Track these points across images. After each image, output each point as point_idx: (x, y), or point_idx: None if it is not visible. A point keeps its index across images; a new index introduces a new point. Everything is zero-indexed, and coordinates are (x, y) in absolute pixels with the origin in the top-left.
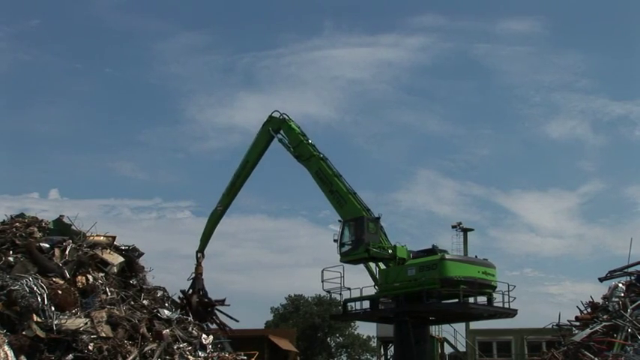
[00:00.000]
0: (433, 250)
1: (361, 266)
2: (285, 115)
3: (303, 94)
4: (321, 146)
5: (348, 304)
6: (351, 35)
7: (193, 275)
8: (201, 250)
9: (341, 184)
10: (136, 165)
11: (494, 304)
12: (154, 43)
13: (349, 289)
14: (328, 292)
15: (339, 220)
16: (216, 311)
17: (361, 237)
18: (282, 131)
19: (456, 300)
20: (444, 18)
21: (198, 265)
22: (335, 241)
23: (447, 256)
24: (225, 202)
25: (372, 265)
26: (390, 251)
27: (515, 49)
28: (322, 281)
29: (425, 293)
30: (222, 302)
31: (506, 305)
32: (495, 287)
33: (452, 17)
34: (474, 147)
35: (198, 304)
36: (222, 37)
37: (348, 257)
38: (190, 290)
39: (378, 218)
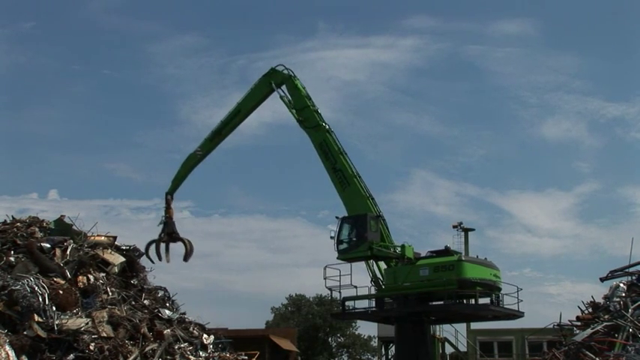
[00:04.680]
0: (447, 251)
1: (362, 264)
2: (290, 71)
3: None
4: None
5: (347, 302)
6: (345, 37)
7: (164, 219)
8: (171, 192)
9: (346, 164)
10: (133, 166)
11: (504, 306)
12: (148, 45)
13: (356, 287)
14: (330, 289)
15: (337, 217)
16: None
17: (364, 235)
18: (285, 88)
19: (471, 301)
20: (436, 19)
21: (168, 207)
22: (332, 238)
23: (463, 258)
24: (207, 149)
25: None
26: (397, 250)
27: (507, 51)
28: (325, 278)
29: (444, 294)
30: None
31: (515, 307)
32: (501, 289)
33: (444, 19)
34: (469, 148)
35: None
36: (217, 38)
37: (348, 255)
38: (162, 234)
39: (379, 216)
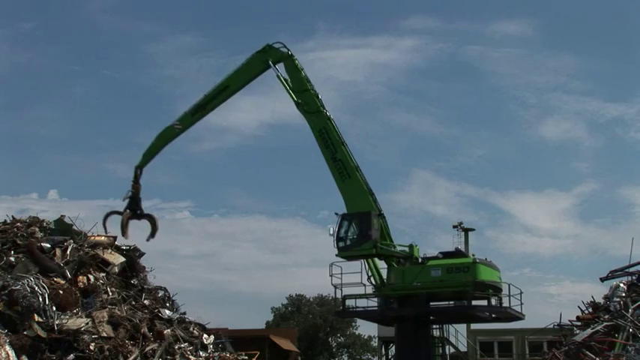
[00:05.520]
0: (459, 253)
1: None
2: (289, 50)
3: None
4: (316, 146)
5: (347, 301)
6: (344, 37)
7: (129, 193)
8: (141, 166)
9: (347, 155)
10: (133, 166)
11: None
12: (148, 46)
13: (365, 285)
14: (335, 287)
15: (336, 214)
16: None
17: (368, 232)
18: (282, 68)
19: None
20: (435, 20)
21: (136, 182)
22: (331, 235)
23: (477, 260)
24: (187, 123)
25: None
26: (396, 248)
27: (506, 51)
28: (330, 275)
29: (458, 295)
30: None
31: (518, 309)
32: (502, 290)
33: (443, 19)
34: (468, 148)
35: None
36: (216, 39)
37: (349, 252)
38: (127, 210)
39: (380, 214)
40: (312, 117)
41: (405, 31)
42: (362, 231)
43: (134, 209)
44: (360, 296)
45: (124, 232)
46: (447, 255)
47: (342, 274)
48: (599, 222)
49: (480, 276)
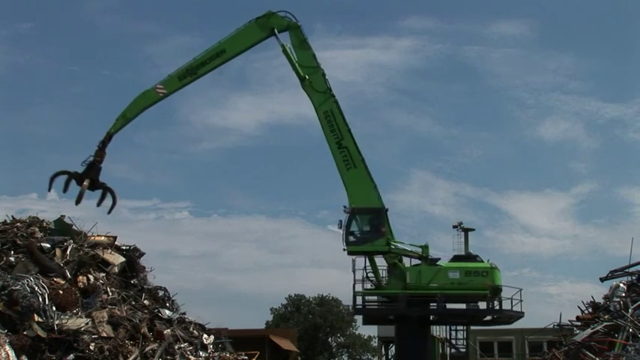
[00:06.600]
0: (470, 257)
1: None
2: (297, 20)
3: (295, 96)
4: (315, 146)
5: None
6: (342, 37)
7: (91, 158)
8: (114, 131)
9: (353, 143)
10: (133, 166)
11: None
12: (147, 46)
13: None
14: (356, 282)
15: (344, 207)
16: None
17: (381, 229)
18: (289, 39)
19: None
20: (434, 20)
21: (102, 148)
22: (339, 227)
23: (494, 265)
24: (173, 88)
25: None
26: (414, 249)
27: (505, 52)
28: (353, 271)
29: (476, 298)
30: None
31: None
32: (502, 291)
33: (442, 20)
34: (467, 148)
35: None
36: (215, 39)
37: (360, 248)
38: (83, 175)
39: (387, 211)
40: (320, 96)
41: (403, 32)
42: (374, 227)
43: (92, 178)
44: (376, 293)
45: (78, 201)
46: (458, 258)
47: (354, 270)
48: (598, 222)
49: (497, 280)
